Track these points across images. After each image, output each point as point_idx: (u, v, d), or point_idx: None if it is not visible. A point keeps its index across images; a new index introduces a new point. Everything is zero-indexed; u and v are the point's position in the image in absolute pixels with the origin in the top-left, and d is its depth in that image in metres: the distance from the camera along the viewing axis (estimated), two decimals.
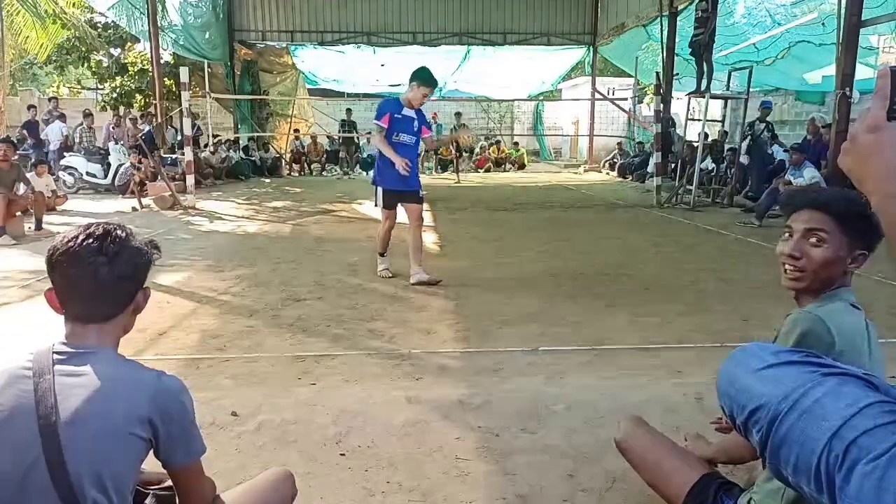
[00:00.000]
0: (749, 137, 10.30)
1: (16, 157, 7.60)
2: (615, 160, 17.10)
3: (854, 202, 1.48)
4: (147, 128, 13.18)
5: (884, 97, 0.89)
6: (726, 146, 10.98)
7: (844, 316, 1.48)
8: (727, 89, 11.02)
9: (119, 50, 19.12)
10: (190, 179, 9.90)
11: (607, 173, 17.40)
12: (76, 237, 1.29)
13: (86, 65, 18.88)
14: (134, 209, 9.50)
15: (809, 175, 7.74)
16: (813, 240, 1.51)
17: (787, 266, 1.56)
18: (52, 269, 1.29)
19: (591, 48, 18.54)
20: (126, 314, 1.35)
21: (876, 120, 0.89)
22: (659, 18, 12.88)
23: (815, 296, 1.55)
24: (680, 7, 12.04)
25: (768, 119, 10.58)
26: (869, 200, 0.91)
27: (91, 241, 1.28)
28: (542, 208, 9.99)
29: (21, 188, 7.32)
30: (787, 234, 1.58)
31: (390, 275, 5.06)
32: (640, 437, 1.79)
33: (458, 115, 17.65)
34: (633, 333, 3.70)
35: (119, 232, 1.32)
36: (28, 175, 7.87)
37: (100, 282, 1.27)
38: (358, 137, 17.94)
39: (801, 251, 1.52)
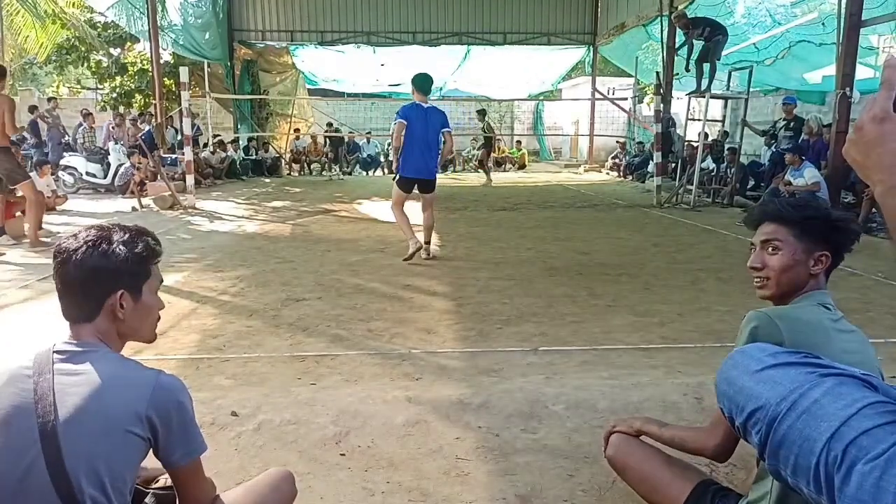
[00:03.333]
0: (769, 135, 10.16)
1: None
2: (618, 160, 17.02)
3: (804, 206, 1.60)
4: (147, 128, 13.18)
5: (891, 87, 0.87)
6: (726, 146, 10.97)
7: (801, 313, 1.54)
8: (727, 89, 11.01)
9: (119, 50, 19.14)
10: (190, 179, 9.91)
11: (607, 173, 17.38)
12: (68, 236, 1.32)
13: (85, 65, 18.89)
14: (134, 209, 9.50)
15: (810, 175, 7.70)
16: (770, 249, 1.62)
17: (754, 278, 1.67)
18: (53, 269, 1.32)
19: (591, 48, 18.53)
20: (103, 317, 1.32)
21: (883, 110, 0.87)
22: (659, 18, 12.88)
23: (787, 301, 1.63)
24: (680, 7, 12.03)
25: (797, 115, 10.00)
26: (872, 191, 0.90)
27: (72, 240, 1.30)
28: (542, 208, 9.99)
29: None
30: (751, 249, 1.69)
31: (420, 244, 5.60)
32: (631, 451, 1.77)
33: (481, 112, 15.61)
34: (632, 333, 3.70)
35: (101, 232, 1.32)
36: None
37: (68, 280, 1.29)
38: (348, 137, 18.03)
39: (762, 261, 1.63)
